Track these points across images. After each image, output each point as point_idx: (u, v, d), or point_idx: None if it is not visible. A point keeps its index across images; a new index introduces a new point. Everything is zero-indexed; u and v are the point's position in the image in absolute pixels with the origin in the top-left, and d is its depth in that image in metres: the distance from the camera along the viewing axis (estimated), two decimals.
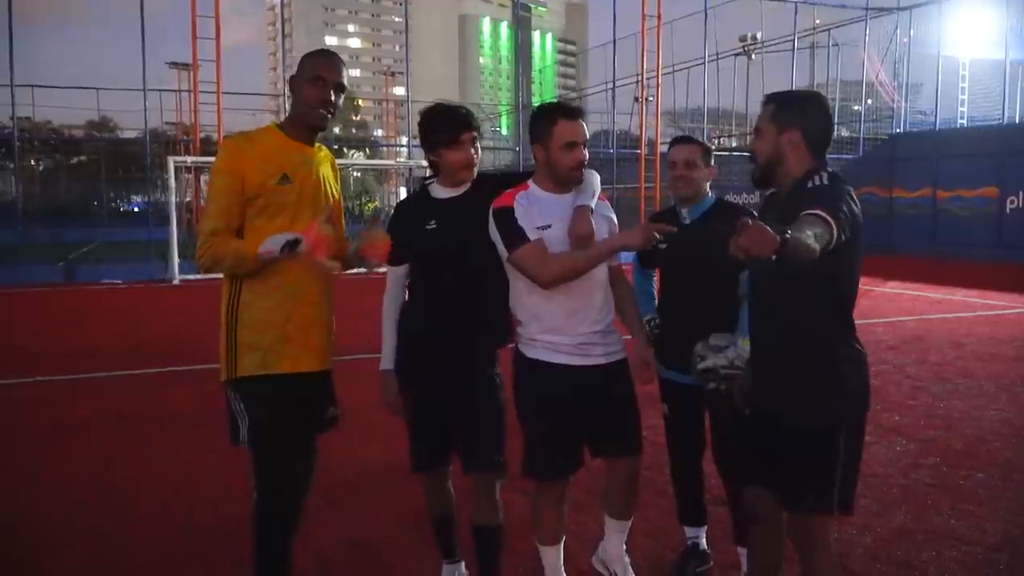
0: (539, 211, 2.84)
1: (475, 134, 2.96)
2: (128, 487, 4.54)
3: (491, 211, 2.86)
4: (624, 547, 3.18)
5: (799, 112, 2.56)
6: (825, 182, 2.45)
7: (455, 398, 3.00)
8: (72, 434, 5.65)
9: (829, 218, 2.22)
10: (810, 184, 2.47)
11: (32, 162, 39.83)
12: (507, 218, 2.82)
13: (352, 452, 4.96)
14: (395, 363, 3.04)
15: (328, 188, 2.80)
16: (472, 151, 2.94)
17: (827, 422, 2.49)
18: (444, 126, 2.93)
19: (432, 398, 3.03)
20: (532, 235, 2.80)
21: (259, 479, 2.70)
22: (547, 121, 2.85)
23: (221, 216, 2.60)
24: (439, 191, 3.04)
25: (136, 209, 41.04)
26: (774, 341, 2.60)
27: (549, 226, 2.82)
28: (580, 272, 2.79)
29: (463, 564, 3.32)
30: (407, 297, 3.11)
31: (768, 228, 2.06)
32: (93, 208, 36.85)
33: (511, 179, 3.04)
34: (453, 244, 2.95)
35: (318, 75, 2.66)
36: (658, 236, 2.79)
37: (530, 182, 2.96)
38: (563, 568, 3.15)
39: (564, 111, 2.87)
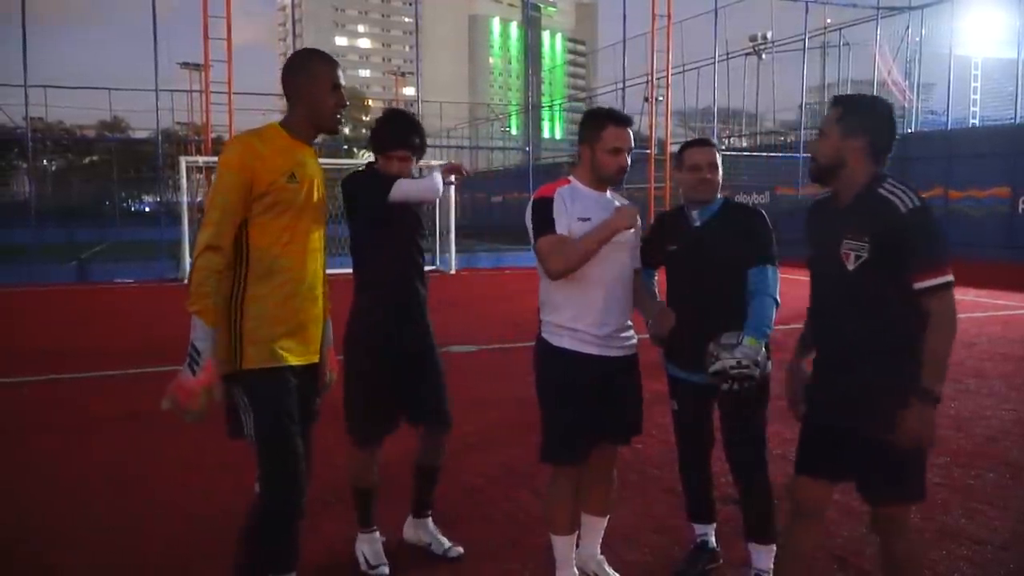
0: (581, 205, 3.02)
1: (409, 152, 3.46)
2: (141, 484, 4.59)
3: (532, 200, 3.06)
4: (599, 548, 3.30)
5: (866, 118, 2.60)
6: (916, 203, 2.47)
7: (417, 359, 3.45)
8: (85, 432, 5.71)
9: (948, 281, 2.47)
10: (900, 204, 2.47)
11: (44, 162, 40.14)
12: (544, 208, 3.00)
13: None
14: (356, 333, 3.43)
15: (321, 188, 2.87)
16: (403, 165, 3.45)
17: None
18: (386, 136, 3.47)
19: (393, 363, 3.41)
20: (570, 225, 2.96)
21: (268, 474, 2.69)
22: (597, 125, 3.04)
23: (225, 221, 2.56)
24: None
25: (148, 209, 41.30)
26: (850, 347, 2.61)
27: (589, 219, 2.98)
28: (583, 260, 2.92)
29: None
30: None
31: (922, 417, 2.42)
32: (105, 208, 37.04)
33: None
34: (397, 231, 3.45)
35: (337, 83, 2.75)
36: (638, 220, 2.99)
37: (571, 177, 3.13)
38: (574, 561, 3.18)
39: (614, 118, 3.06)
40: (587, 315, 3.02)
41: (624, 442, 3.26)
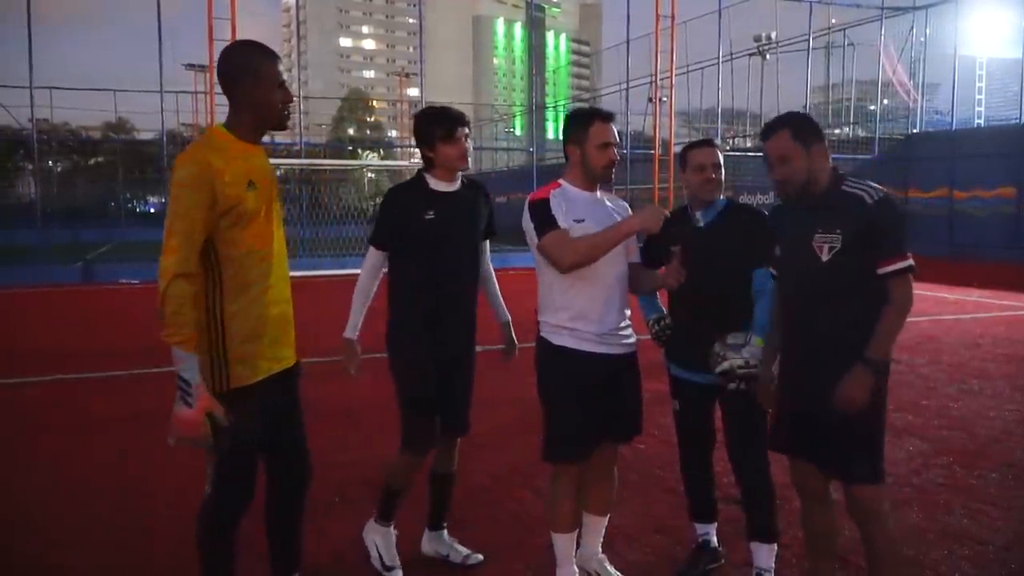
0: (573, 207, 3.05)
1: (468, 131, 3.38)
2: (145, 483, 4.62)
3: (527, 203, 3.09)
4: (600, 547, 3.31)
5: (806, 125, 2.77)
6: (881, 195, 2.69)
7: (456, 369, 3.41)
8: (90, 432, 5.74)
9: (910, 265, 2.65)
10: (867, 197, 2.68)
11: (50, 163, 40.22)
12: (542, 207, 3.04)
13: (366, 449, 5.04)
14: (404, 340, 3.37)
15: (276, 186, 2.79)
16: (466, 145, 3.35)
17: (874, 406, 2.69)
18: (441, 121, 3.33)
19: (432, 372, 3.34)
20: (567, 227, 3.00)
21: (225, 482, 2.64)
22: (583, 123, 3.10)
23: (187, 245, 2.43)
24: (436, 183, 3.38)
25: (152, 210, 41.33)
26: (822, 336, 2.76)
27: (583, 220, 3.02)
28: (598, 255, 2.96)
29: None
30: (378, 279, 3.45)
31: (860, 382, 2.61)
32: (110, 209, 37.12)
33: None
34: (450, 230, 3.34)
35: (281, 79, 2.65)
36: (667, 214, 3.00)
37: (561, 181, 3.17)
38: (575, 559, 3.20)
39: (599, 114, 3.13)
40: (587, 313, 3.05)
41: (625, 441, 3.28)
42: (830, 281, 2.72)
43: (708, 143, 3.43)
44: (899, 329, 2.68)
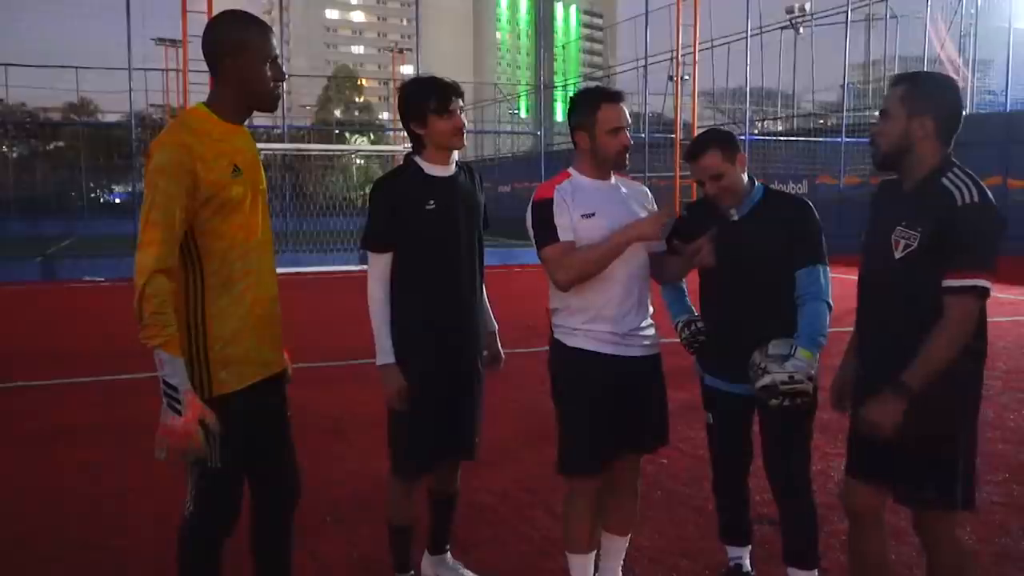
0: (583, 199, 3.05)
1: (461, 102, 3.24)
2: (118, 498, 4.65)
3: (531, 203, 3.09)
4: (620, 572, 3.31)
5: (933, 96, 2.67)
6: (976, 199, 2.55)
7: (462, 389, 3.32)
8: (57, 443, 5.77)
9: (982, 286, 2.54)
10: (959, 196, 2.56)
11: (4, 148, 40.33)
12: (544, 212, 3.04)
13: (363, 464, 5.05)
14: (405, 351, 3.23)
15: (262, 171, 2.79)
16: (462, 117, 3.23)
17: (950, 428, 2.65)
18: (432, 93, 3.19)
19: (439, 390, 3.25)
20: (573, 225, 3.00)
21: (208, 498, 2.64)
22: (590, 107, 3.06)
23: (169, 238, 2.41)
24: (431, 168, 3.27)
25: (118, 200, 41.48)
26: (893, 344, 2.70)
27: (593, 214, 3.02)
28: (594, 271, 2.98)
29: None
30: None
31: (888, 407, 2.57)
32: (72, 199, 37.23)
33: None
34: (455, 224, 3.24)
35: (274, 54, 2.65)
36: (672, 215, 3.04)
37: (571, 170, 3.16)
38: None
39: (606, 95, 3.11)
40: (604, 313, 3.06)
41: (648, 450, 3.31)
42: (902, 283, 2.66)
43: (697, 147, 3.26)
44: (948, 357, 2.55)
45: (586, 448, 3.10)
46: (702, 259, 3.09)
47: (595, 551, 3.24)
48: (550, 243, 3.01)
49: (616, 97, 3.10)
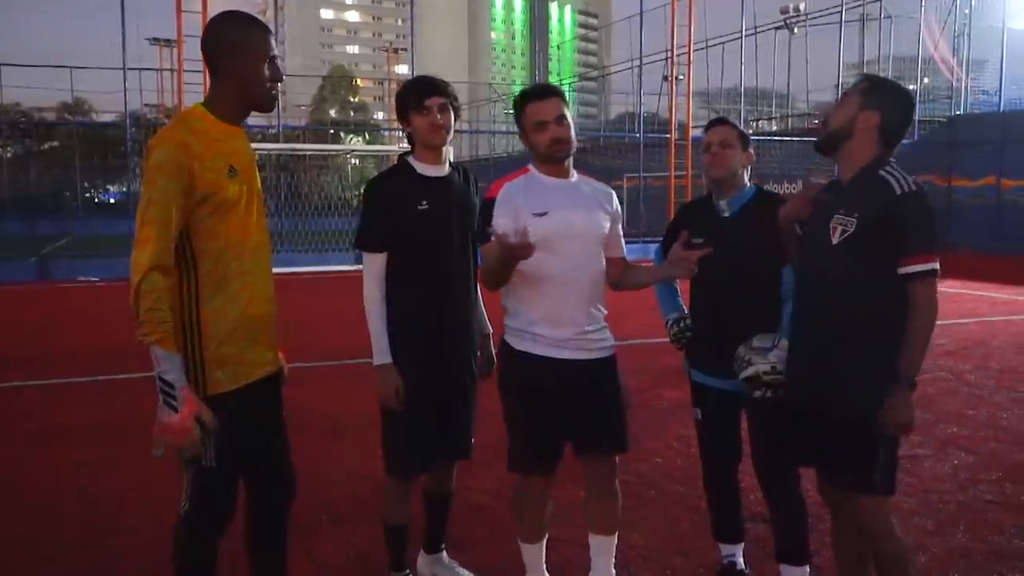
0: (537, 197, 3.06)
1: (444, 100, 3.26)
2: (115, 498, 4.65)
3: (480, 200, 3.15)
4: (614, 571, 3.29)
5: (887, 98, 2.84)
6: (913, 187, 2.72)
7: (456, 390, 3.35)
8: (53, 444, 5.76)
9: (934, 268, 2.68)
10: (897, 186, 2.71)
11: (0, 148, 40.23)
12: (485, 211, 3.08)
13: (360, 463, 5.06)
14: (397, 354, 3.24)
15: (256, 173, 2.81)
16: (439, 116, 3.23)
17: (868, 412, 2.73)
18: (412, 91, 3.27)
19: (432, 391, 3.27)
20: (523, 222, 2.94)
21: (203, 495, 2.65)
22: (519, 107, 3.14)
23: (165, 236, 2.43)
24: (423, 167, 3.31)
25: (113, 200, 41.39)
26: (832, 329, 2.82)
27: (545, 213, 3.02)
28: (497, 281, 3.00)
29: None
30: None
31: (903, 404, 2.67)
32: (66, 199, 37.16)
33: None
34: (448, 225, 3.27)
35: (273, 54, 2.67)
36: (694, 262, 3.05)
37: (531, 166, 3.19)
38: (544, 567, 3.32)
39: (532, 93, 3.16)
40: (551, 317, 3.05)
41: (607, 453, 3.20)
42: (839, 267, 2.78)
43: (721, 121, 3.47)
44: (928, 340, 2.71)
45: (528, 448, 3.15)
46: (684, 270, 3.11)
47: (544, 539, 3.30)
48: (484, 242, 3.03)
49: (541, 93, 3.12)
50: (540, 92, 3.14)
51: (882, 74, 28.85)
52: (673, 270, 3.15)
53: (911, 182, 2.71)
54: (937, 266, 2.69)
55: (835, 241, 2.76)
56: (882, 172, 2.75)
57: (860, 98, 2.82)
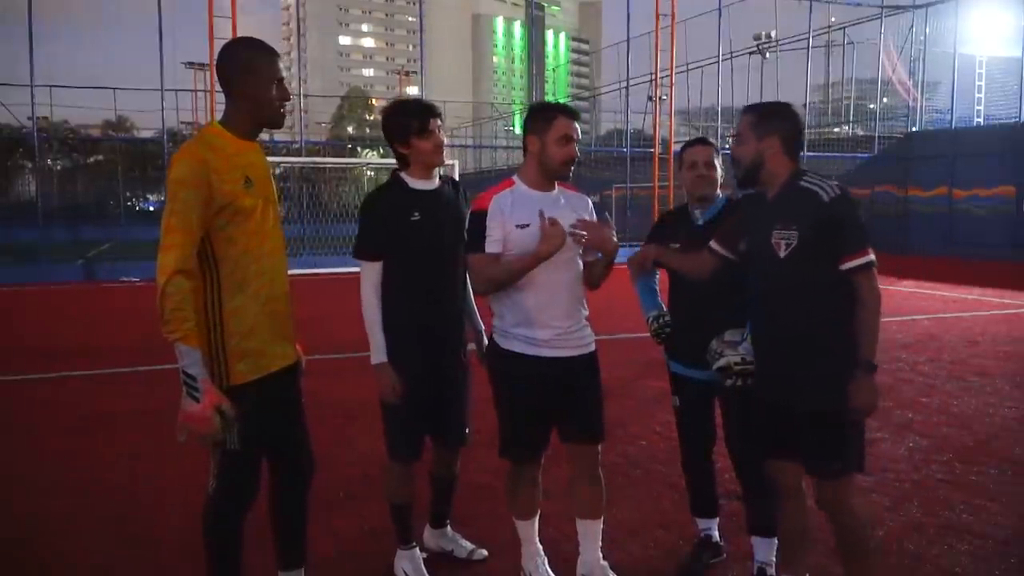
0: (521, 210, 3.01)
1: (440, 122, 3.26)
2: (155, 481, 4.65)
3: (470, 209, 3.11)
4: (600, 553, 3.24)
5: (774, 120, 2.84)
6: (838, 192, 2.72)
7: (447, 383, 3.34)
8: (97, 430, 5.77)
9: (871, 260, 2.68)
10: (823, 194, 2.71)
11: (50, 162, 40.17)
12: (476, 222, 3.04)
13: (371, 446, 5.04)
14: (392, 352, 3.22)
15: (272, 182, 2.80)
16: (441, 136, 3.24)
17: (840, 402, 2.70)
18: (414, 117, 3.22)
19: (426, 385, 3.27)
20: (506, 235, 2.97)
21: (229, 479, 2.66)
22: (547, 115, 3.05)
23: (188, 242, 2.44)
24: (415, 182, 3.27)
25: (152, 208, 41.30)
26: (789, 332, 2.81)
27: (528, 225, 2.97)
28: (508, 284, 2.99)
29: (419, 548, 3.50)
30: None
31: (867, 387, 2.66)
32: (110, 207, 37.08)
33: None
34: (439, 234, 3.23)
35: (280, 76, 2.65)
36: (568, 232, 2.93)
37: (515, 178, 3.12)
38: (538, 539, 3.32)
39: (564, 109, 3.08)
40: (535, 319, 3.03)
41: (590, 441, 3.17)
42: (791, 277, 2.76)
43: (702, 141, 3.48)
44: (878, 325, 2.70)
45: (515, 439, 3.16)
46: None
47: (536, 515, 3.30)
48: (475, 252, 3.01)
49: (572, 113, 3.08)
50: (570, 111, 3.07)
51: (845, 94, 28.96)
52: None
53: (834, 187, 2.72)
54: (873, 257, 2.69)
55: (783, 255, 2.75)
56: (803, 183, 2.76)
57: (753, 132, 2.81)
